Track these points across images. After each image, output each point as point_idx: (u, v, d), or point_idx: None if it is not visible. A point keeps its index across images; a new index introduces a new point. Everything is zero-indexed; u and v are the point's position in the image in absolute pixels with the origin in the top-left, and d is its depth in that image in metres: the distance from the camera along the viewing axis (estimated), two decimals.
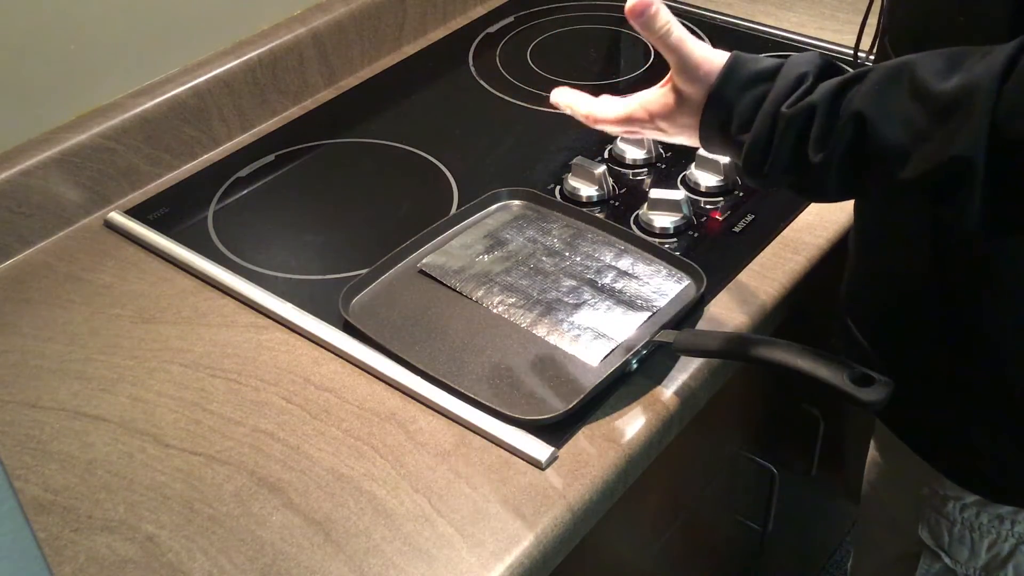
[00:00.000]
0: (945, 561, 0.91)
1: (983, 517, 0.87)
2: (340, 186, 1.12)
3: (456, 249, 1.00)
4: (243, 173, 1.14)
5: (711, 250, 1.00)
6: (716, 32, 1.34)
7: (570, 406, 0.82)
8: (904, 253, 0.83)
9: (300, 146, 1.18)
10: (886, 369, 0.77)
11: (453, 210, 1.06)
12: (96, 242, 1.05)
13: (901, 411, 0.87)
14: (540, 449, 0.80)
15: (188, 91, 1.13)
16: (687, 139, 0.78)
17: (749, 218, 1.03)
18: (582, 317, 0.92)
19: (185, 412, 0.86)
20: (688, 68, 0.74)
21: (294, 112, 1.24)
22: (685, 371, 0.88)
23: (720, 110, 0.73)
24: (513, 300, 0.94)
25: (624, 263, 0.97)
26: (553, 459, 0.80)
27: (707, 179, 1.06)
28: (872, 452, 0.99)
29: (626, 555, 0.97)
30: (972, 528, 0.88)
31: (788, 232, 1.02)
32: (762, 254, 0.99)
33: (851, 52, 1.27)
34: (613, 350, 0.89)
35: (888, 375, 0.75)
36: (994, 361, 0.79)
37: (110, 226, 1.07)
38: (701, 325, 0.92)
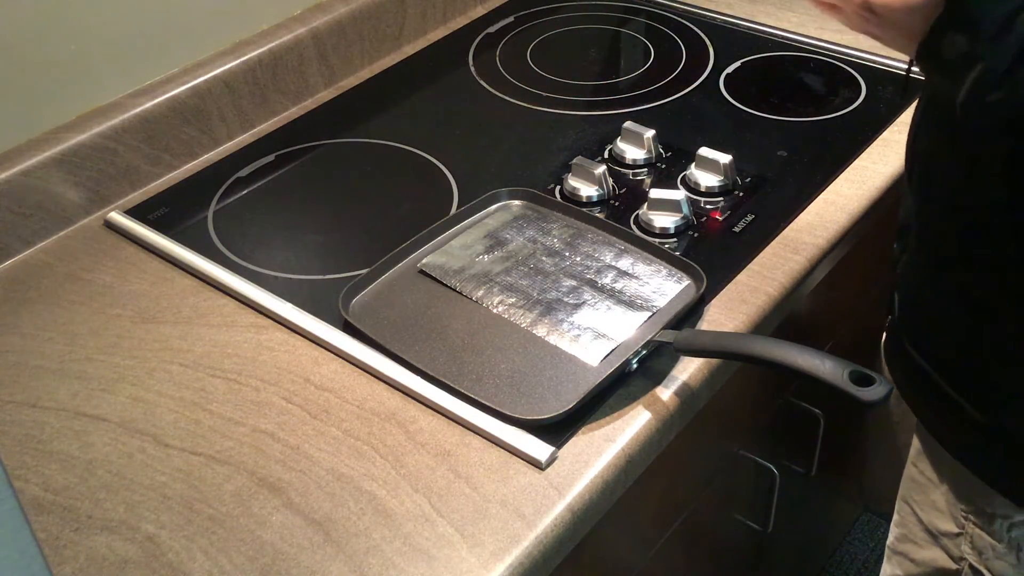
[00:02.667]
0: None
1: None
2: (340, 186, 1.12)
3: (456, 249, 1.00)
4: (243, 173, 1.14)
5: (711, 250, 0.99)
6: (716, 32, 1.34)
7: (570, 406, 0.82)
8: (976, 271, 0.80)
9: (300, 146, 1.18)
10: (949, 391, 0.76)
11: (453, 210, 1.06)
12: (96, 242, 1.05)
13: (961, 432, 0.86)
14: (540, 449, 0.80)
15: (188, 91, 1.13)
16: (896, 39, 0.72)
17: (749, 218, 1.03)
18: (582, 317, 0.92)
19: (185, 412, 0.86)
20: None
21: (294, 112, 1.24)
22: (685, 371, 0.88)
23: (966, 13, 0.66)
24: (513, 300, 0.94)
25: (624, 263, 0.97)
26: (553, 459, 0.80)
27: (707, 179, 1.06)
28: (911, 468, 0.97)
29: (626, 555, 0.97)
30: (1019, 548, 0.87)
31: (788, 232, 1.02)
32: (762, 254, 0.99)
33: (851, 52, 1.28)
34: (613, 350, 0.89)
35: (953, 398, 0.73)
36: None
37: (110, 226, 1.07)
38: (701, 325, 0.92)
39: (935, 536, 0.95)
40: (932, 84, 0.75)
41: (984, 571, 0.90)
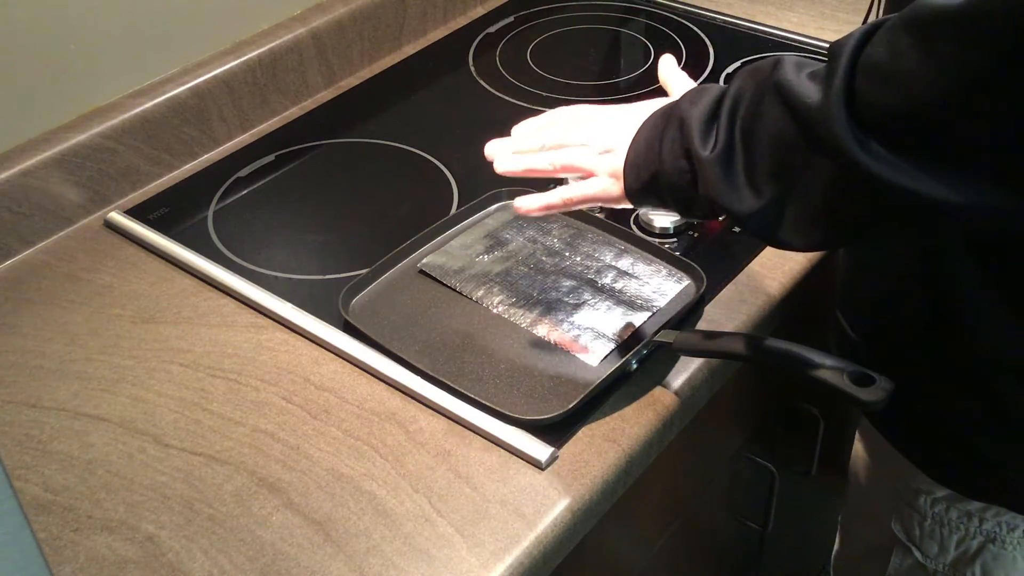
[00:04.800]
0: (916, 556, 0.91)
1: (952, 513, 0.87)
2: (340, 186, 1.12)
3: (456, 249, 1.00)
4: (243, 173, 1.14)
5: (711, 250, 0.99)
6: (716, 32, 1.34)
7: (570, 406, 0.82)
8: (893, 246, 0.83)
9: (300, 146, 1.18)
10: (872, 361, 0.77)
11: (453, 210, 1.06)
12: (96, 242, 1.05)
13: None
14: (540, 449, 0.80)
15: (188, 91, 1.13)
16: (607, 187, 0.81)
17: None
18: (582, 317, 0.92)
19: (185, 412, 0.86)
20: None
21: (294, 112, 1.24)
22: (685, 371, 0.88)
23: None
24: (513, 300, 0.94)
25: (624, 263, 0.97)
26: (553, 459, 0.80)
27: None
28: (856, 444, 1.00)
29: (626, 555, 0.97)
30: (942, 523, 0.88)
31: None
32: (762, 254, 0.99)
33: None
34: (613, 350, 0.89)
35: (874, 367, 0.75)
36: (974, 356, 0.79)
37: (110, 226, 1.07)
38: (701, 325, 0.92)
39: (874, 512, 0.96)
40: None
41: (913, 549, 0.91)
